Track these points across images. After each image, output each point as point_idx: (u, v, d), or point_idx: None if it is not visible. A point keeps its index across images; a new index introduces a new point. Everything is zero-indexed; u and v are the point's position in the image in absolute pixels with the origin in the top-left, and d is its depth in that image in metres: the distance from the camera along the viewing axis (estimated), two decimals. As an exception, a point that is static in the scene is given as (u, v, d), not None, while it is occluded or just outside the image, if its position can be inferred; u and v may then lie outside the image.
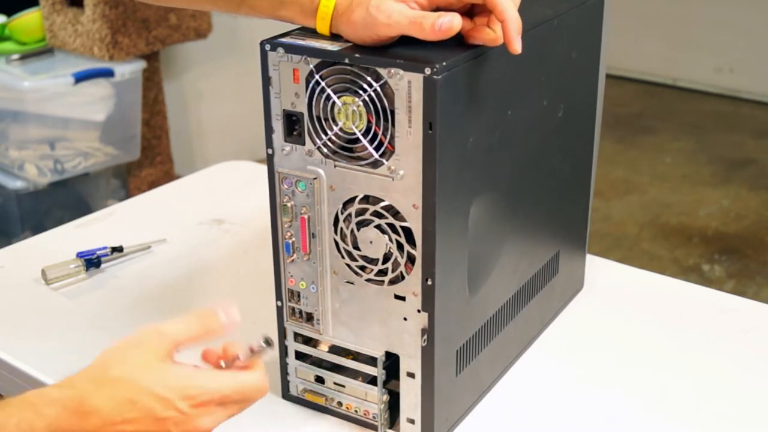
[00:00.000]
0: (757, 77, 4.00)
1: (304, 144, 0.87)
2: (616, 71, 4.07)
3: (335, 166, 0.86)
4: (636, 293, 1.20)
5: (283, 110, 0.87)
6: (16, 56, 2.48)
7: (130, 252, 1.28)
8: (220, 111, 3.18)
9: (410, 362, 0.89)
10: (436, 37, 0.78)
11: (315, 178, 0.87)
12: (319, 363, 0.95)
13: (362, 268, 0.88)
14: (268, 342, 0.81)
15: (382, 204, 0.85)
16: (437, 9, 0.82)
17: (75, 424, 0.71)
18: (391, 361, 0.91)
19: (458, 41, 0.82)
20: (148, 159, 2.74)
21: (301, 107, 0.86)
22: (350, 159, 0.85)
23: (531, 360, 1.06)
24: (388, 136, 0.82)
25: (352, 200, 0.86)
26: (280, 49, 0.85)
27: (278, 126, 0.88)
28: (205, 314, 0.80)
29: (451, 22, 0.78)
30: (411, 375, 0.89)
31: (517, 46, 0.80)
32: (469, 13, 0.83)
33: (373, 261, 0.87)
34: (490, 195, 0.91)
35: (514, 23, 0.80)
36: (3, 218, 2.52)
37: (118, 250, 1.27)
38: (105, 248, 1.26)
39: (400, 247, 0.85)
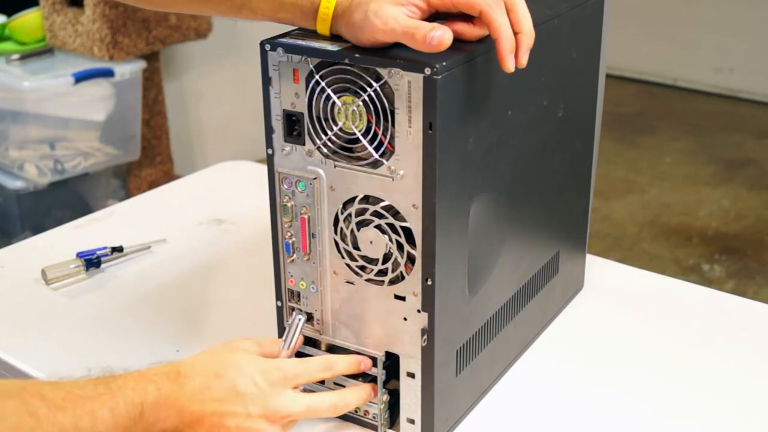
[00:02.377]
0: (757, 77, 4.00)
1: (304, 144, 0.87)
2: (616, 71, 4.07)
3: (335, 166, 0.86)
4: (636, 293, 1.20)
5: (283, 110, 0.87)
6: (16, 56, 2.48)
7: (130, 252, 1.28)
8: (220, 111, 3.18)
9: (410, 362, 0.89)
10: (428, 49, 0.78)
11: (315, 178, 0.87)
12: (319, 363, 0.95)
13: (362, 268, 0.88)
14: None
15: (382, 204, 0.85)
16: (436, 13, 0.82)
17: (174, 391, 0.81)
18: (391, 361, 0.91)
19: (458, 41, 0.82)
20: (148, 159, 2.74)
21: (301, 107, 0.86)
22: (350, 159, 0.85)
23: (531, 360, 1.06)
24: (388, 136, 0.82)
25: (352, 200, 0.86)
26: (280, 50, 0.85)
27: (278, 126, 0.88)
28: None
29: (442, 37, 0.77)
30: (411, 375, 0.89)
31: (509, 65, 0.80)
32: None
33: (373, 261, 0.87)
34: (490, 195, 0.91)
35: (508, 42, 0.80)
36: (3, 218, 2.52)
37: (118, 250, 1.27)
38: (105, 248, 1.26)
39: (400, 247, 0.85)
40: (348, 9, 0.81)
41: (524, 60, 0.81)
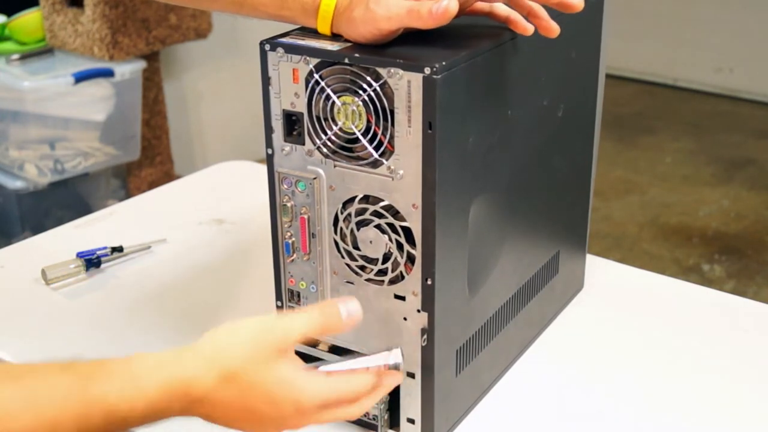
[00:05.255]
0: (757, 77, 3.99)
1: (303, 144, 0.87)
2: (616, 71, 4.07)
3: (335, 166, 0.86)
4: (636, 293, 1.20)
5: (283, 110, 0.87)
6: (16, 56, 2.48)
7: (130, 252, 1.28)
8: (220, 111, 3.18)
9: (410, 362, 0.89)
10: (435, 22, 0.78)
11: (315, 178, 0.87)
12: (319, 363, 0.95)
13: (362, 268, 0.88)
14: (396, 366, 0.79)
15: (382, 204, 0.84)
16: None
17: (178, 408, 0.67)
18: (391, 361, 0.91)
19: (458, 40, 0.82)
20: (148, 159, 2.74)
21: (301, 107, 0.86)
22: (350, 159, 0.85)
23: (531, 360, 1.06)
24: (388, 136, 0.82)
25: (351, 200, 0.86)
26: (280, 49, 0.85)
27: (278, 126, 0.88)
28: (327, 309, 0.74)
29: (447, 6, 0.78)
30: (411, 375, 0.89)
31: (554, 26, 0.86)
32: None
33: (373, 261, 0.87)
34: (490, 195, 0.91)
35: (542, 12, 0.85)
36: (3, 218, 2.52)
37: (118, 250, 1.27)
38: (105, 248, 1.26)
39: (399, 246, 0.85)
40: (349, 6, 0.82)
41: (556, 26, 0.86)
